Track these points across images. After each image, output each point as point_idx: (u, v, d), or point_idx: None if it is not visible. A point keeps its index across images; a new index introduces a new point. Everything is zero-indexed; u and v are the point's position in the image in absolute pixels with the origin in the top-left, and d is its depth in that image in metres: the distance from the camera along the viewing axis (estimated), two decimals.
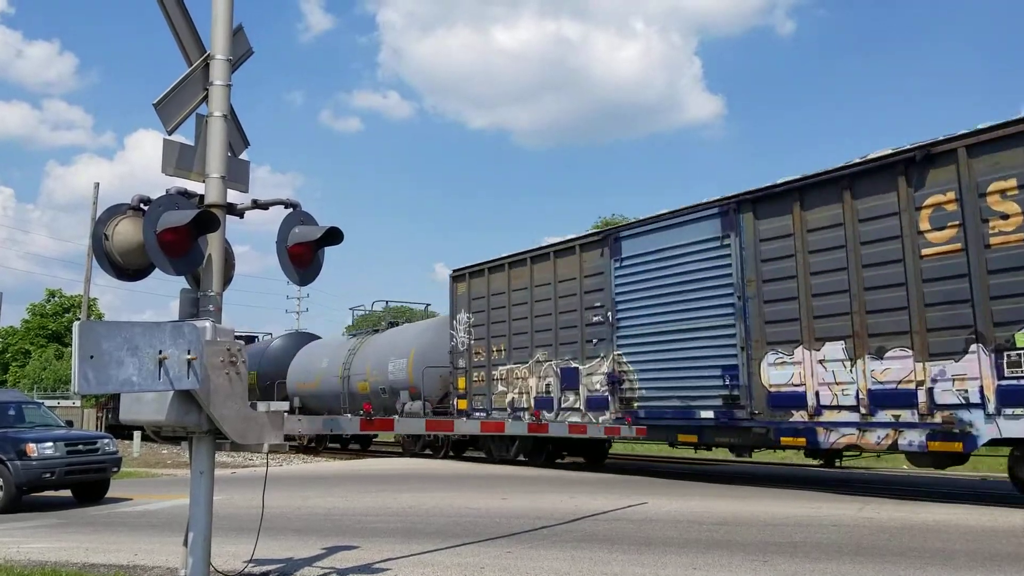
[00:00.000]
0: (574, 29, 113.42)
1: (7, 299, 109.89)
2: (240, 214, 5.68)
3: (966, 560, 6.76)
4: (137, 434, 26.50)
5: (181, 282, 5.37)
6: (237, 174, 5.74)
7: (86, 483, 12.65)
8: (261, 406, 5.29)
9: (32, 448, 11.77)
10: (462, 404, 18.65)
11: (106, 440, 13.09)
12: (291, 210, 5.75)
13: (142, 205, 5.19)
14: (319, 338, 29.53)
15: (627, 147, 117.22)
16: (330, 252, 5.96)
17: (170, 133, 5.35)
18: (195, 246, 5.11)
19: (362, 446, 28.07)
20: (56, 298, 61.37)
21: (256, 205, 5.75)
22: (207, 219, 5.03)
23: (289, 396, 26.32)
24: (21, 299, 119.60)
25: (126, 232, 5.17)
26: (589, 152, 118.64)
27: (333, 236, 5.70)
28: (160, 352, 4.38)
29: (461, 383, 18.78)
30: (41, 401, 17.69)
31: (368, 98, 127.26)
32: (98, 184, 32.87)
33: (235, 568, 6.40)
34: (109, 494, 12.96)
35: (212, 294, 5.29)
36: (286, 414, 5.42)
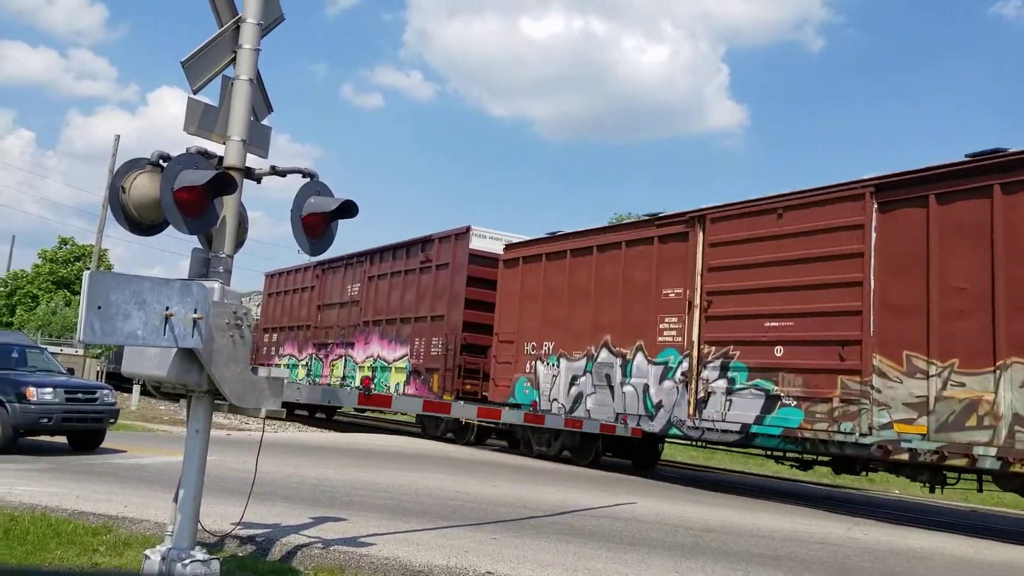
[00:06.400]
0: (602, 26, 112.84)
1: (19, 243, 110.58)
2: (258, 179, 5.68)
3: None
4: (136, 387, 26.62)
5: (193, 241, 5.38)
6: (258, 139, 5.74)
7: (82, 431, 12.72)
8: (262, 371, 5.31)
9: (32, 392, 11.84)
10: None
11: (105, 391, 13.16)
12: (308, 180, 5.75)
13: (161, 161, 5.20)
14: None
15: (645, 148, 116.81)
16: (342, 225, 5.96)
17: (195, 92, 5.35)
18: (210, 207, 5.11)
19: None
20: (68, 246, 61.55)
21: (274, 171, 5.75)
22: (225, 181, 5.03)
23: None
24: (33, 244, 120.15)
25: (143, 187, 5.17)
26: (608, 150, 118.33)
27: (348, 209, 5.69)
28: (167, 308, 4.39)
29: None
30: (45, 346, 17.75)
31: (391, 76, 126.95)
32: (119, 136, 33.03)
33: (223, 529, 6.44)
34: (104, 445, 13.05)
35: (223, 256, 5.30)
36: (286, 381, 5.44)
